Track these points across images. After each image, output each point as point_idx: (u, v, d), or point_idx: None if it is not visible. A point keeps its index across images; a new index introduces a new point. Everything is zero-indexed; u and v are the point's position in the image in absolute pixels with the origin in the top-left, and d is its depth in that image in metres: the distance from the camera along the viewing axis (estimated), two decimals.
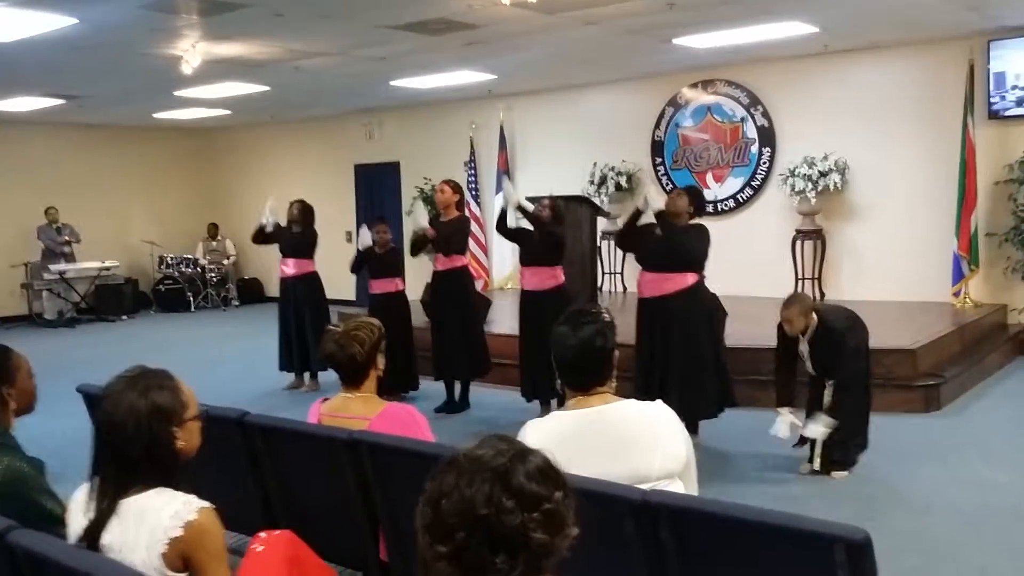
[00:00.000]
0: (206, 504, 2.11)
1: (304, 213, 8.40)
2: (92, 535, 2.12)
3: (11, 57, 8.41)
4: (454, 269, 7.24)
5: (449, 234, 7.24)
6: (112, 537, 2.10)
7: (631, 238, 6.33)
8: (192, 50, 8.37)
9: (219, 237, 16.06)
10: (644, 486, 2.43)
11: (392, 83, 11.17)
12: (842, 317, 5.44)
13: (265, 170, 16.07)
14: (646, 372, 6.09)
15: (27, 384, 2.96)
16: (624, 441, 2.49)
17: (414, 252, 7.48)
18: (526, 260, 6.91)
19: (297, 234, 8.35)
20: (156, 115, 13.98)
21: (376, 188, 14.58)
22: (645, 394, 6.03)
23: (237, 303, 15.79)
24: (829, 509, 4.79)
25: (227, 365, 10.00)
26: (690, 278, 6.00)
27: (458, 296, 7.23)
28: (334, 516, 3.17)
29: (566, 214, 8.42)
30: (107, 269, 14.23)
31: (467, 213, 12.83)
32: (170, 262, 15.35)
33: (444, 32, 8.02)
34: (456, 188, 7.44)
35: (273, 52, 8.80)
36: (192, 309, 15.14)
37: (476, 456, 1.41)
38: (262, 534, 2.83)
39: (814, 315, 5.32)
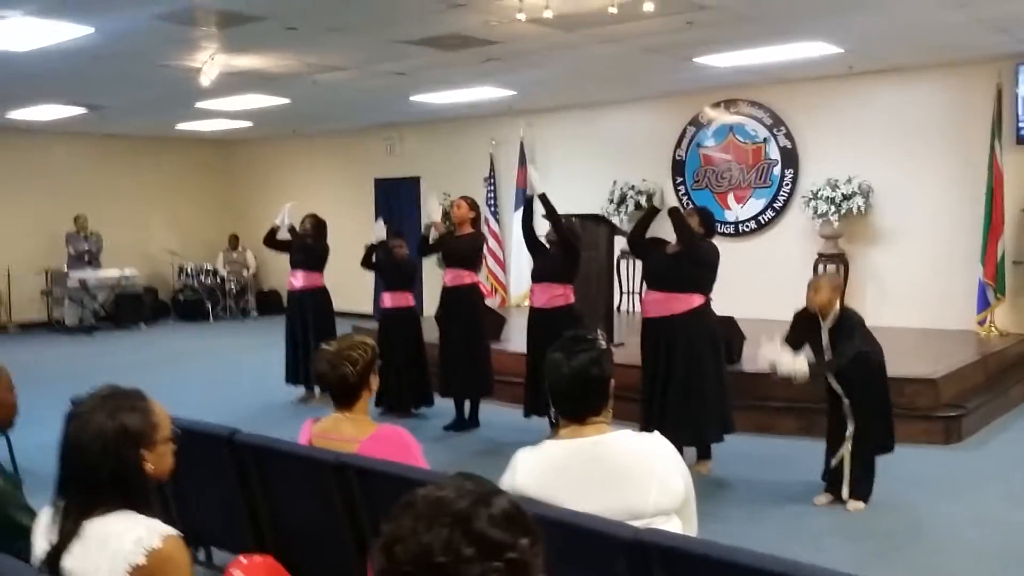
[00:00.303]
0: (171, 531, 2.01)
1: (317, 227, 8.37)
2: (53, 559, 2.03)
3: (31, 66, 8.42)
4: (463, 286, 7.15)
5: (461, 250, 7.17)
6: (74, 561, 2.00)
7: (643, 244, 6.22)
8: (210, 62, 8.36)
9: (239, 248, 16.07)
10: (638, 523, 2.32)
11: (412, 98, 11.13)
12: (860, 316, 5.32)
13: (286, 183, 16.08)
14: (648, 394, 5.97)
15: (6, 396, 2.88)
16: (618, 474, 2.37)
17: (423, 251, 7.45)
18: (538, 276, 6.80)
19: (309, 246, 8.31)
20: (178, 126, 14.03)
21: (395, 202, 14.53)
22: (648, 418, 5.95)
23: (256, 314, 15.75)
24: (844, 545, 4.65)
25: (240, 376, 9.96)
26: (696, 299, 5.86)
27: (466, 313, 7.13)
28: (322, 539, 3.07)
29: (583, 233, 8.37)
30: (127, 278, 14.27)
31: (485, 230, 12.78)
32: (190, 272, 15.38)
33: (461, 48, 7.96)
34: (473, 205, 7.36)
35: (290, 65, 8.77)
36: (211, 319, 15.13)
37: (436, 498, 1.29)
38: (242, 559, 2.73)
39: (838, 304, 5.19)
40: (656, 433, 2.48)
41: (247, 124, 13.90)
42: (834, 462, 5.22)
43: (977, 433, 6.75)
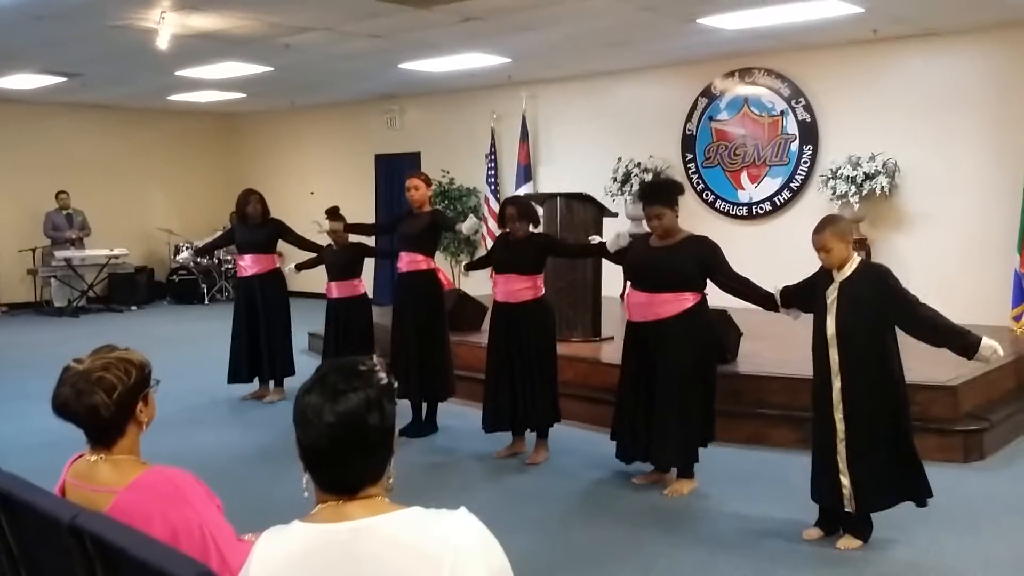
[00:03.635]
0: None
1: (264, 205, 7.56)
2: None
3: None
4: (418, 272, 6.31)
5: (414, 230, 6.37)
6: None
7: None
8: (162, 21, 7.65)
9: None
10: None
11: (401, 66, 10.35)
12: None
13: (287, 158, 15.43)
14: (626, 407, 5.17)
15: None
16: None
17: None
18: (500, 266, 5.91)
19: (255, 227, 7.55)
20: (171, 97, 13.37)
21: (397, 179, 13.74)
22: (621, 431, 5.17)
23: None
24: None
25: (210, 366, 9.22)
26: (688, 299, 5.02)
27: (424, 304, 6.31)
28: None
29: (568, 215, 7.58)
30: (116, 257, 13.67)
31: (484, 210, 11.99)
32: (184, 249, 14.75)
33: (431, 4, 7.14)
34: (427, 180, 6.61)
35: (252, 26, 8.02)
36: (205, 302, 14.53)
37: None
38: None
39: (855, 255, 4.27)
40: (461, 510, 1.68)
41: (240, 95, 13.20)
42: (847, 497, 4.28)
43: (1003, 450, 5.82)
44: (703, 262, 5.01)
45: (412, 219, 6.45)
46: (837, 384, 4.26)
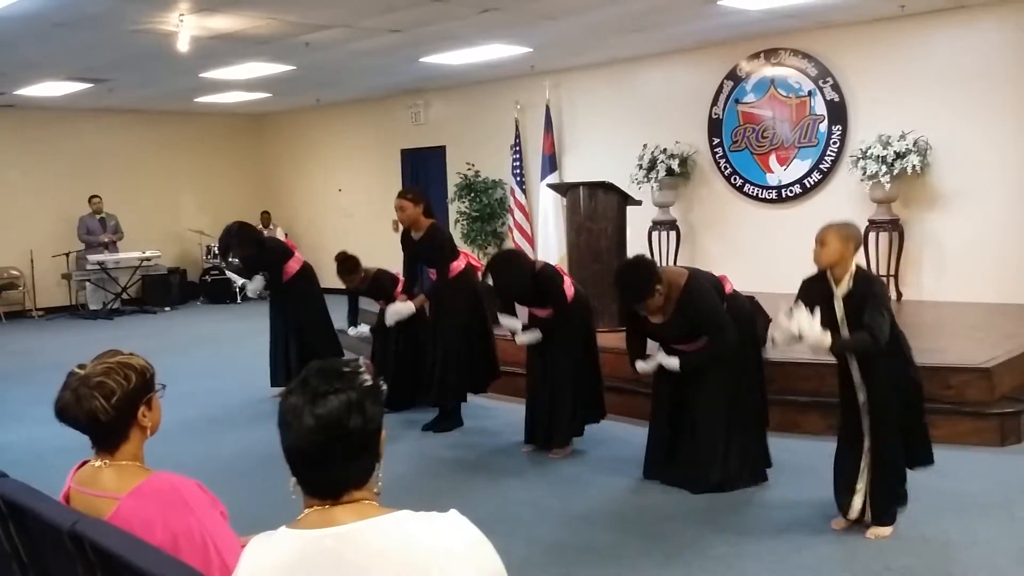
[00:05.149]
0: None
1: (242, 240, 7.40)
2: None
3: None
4: (455, 275, 6.28)
5: (424, 253, 6.34)
6: None
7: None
8: (181, 24, 7.68)
9: (271, 226, 15.52)
10: None
11: (423, 60, 10.30)
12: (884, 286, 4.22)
13: (314, 156, 15.51)
14: (660, 430, 5.12)
15: None
16: None
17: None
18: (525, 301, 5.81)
19: (260, 254, 7.56)
20: (198, 99, 13.46)
21: (422, 174, 13.79)
22: (655, 459, 5.14)
23: None
24: None
25: (241, 365, 9.29)
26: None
27: (455, 305, 6.25)
28: None
29: (591, 204, 7.54)
30: (148, 259, 13.81)
31: (511, 201, 11.94)
32: (216, 252, 14.87)
33: None
34: (415, 198, 6.28)
35: (270, 25, 8.02)
36: (238, 300, 14.63)
37: None
38: None
39: (853, 263, 4.11)
40: (452, 513, 1.64)
41: (266, 95, 13.24)
42: (855, 506, 4.25)
43: None
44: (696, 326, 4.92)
45: (418, 245, 6.38)
46: (862, 397, 4.22)
